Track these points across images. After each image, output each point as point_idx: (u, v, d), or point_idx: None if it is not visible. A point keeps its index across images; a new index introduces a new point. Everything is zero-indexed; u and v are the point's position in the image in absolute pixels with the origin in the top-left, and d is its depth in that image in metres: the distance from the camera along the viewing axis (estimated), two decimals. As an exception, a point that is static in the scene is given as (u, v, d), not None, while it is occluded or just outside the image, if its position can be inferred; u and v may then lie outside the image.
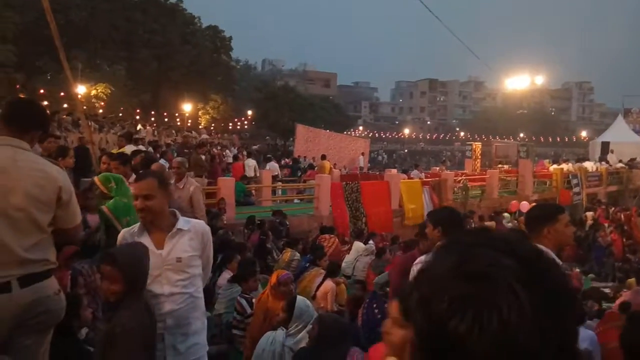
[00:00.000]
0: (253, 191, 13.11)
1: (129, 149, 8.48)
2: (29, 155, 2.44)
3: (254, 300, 4.49)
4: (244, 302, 4.52)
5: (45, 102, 23.79)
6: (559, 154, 40.75)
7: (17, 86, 23.28)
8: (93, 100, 30.00)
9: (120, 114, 32.42)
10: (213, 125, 47.18)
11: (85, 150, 8.48)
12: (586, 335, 3.69)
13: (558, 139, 56.99)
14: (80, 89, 23.95)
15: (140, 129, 26.52)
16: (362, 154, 25.04)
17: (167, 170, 5.72)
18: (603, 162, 21.99)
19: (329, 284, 5.65)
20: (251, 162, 15.44)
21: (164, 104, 38.86)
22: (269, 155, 21.05)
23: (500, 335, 0.55)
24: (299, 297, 3.57)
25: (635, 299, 4.62)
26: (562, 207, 2.97)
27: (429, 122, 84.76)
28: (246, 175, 13.90)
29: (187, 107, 39.10)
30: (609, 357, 3.70)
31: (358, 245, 8.77)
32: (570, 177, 18.06)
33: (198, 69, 38.87)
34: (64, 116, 18.39)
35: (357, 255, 8.51)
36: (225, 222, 8.78)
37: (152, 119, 37.78)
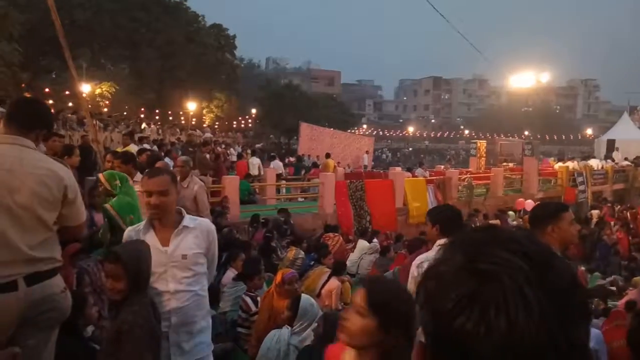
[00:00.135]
0: (257, 189, 13.12)
1: (132, 147, 8.52)
2: (34, 154, 2.45)
3: (259, 298, 4.50)
4: (249, 300, 4.53)
5: (51, 101, 23.90)
6: (563, 152, 40.62)
7: (23, 85, 23.39)
8: (98, 99, 30.10)
9: (125, 113, 32.48)
10: (217, 123, 47.21)
11: (89, 148, 8.52)
12: (592, 334, 3.67)
13: (563, 136, 56.70)
14: (85, 88, 24.03)
15: (144, 127, 26.57)
16: (366, 152, 25.01)
17: (171, 168, 5.73)
18: (608, 160, 21.90)
19: (333, 282, 5.65)
20: (255, 161, 15.47)
21: (168, 103, 38.92)
22: (273, 154, 21.05)
23: (507, 335, 0.55)
24: (303, 296, 3.57)
25: (642, 297, 4.59)
26: (566, 205, 2.96)
27: (433, 120, 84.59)
28: (250, 174, 13.92)
29: (191, 106, 39.15)
30: (615, 355, 3.69)
31: (362, 243, 8.77)
32: (576, 175, 17.99)
33: (202, 68, 38.93)
34: (69, 115, 18.44)
35: (362, 253, 8.51)
36: (228, 219, 8.80)
37: (157, 117, 37.84)
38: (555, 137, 55.55)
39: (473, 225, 8.95)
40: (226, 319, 4.78)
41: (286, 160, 20.29)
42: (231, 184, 10.67)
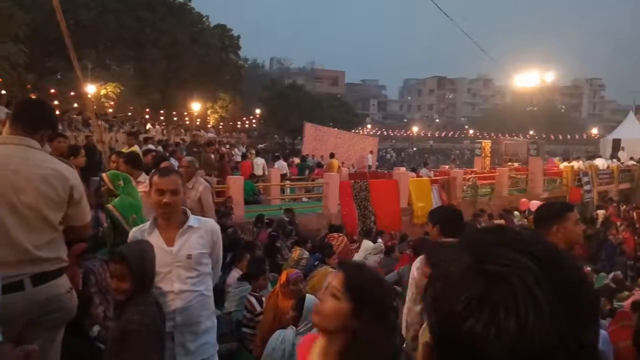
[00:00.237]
0: (261, 190, 13.14)
1: (134, 148, 8.56)
2: (40, 155, 2.46)
3: (263, 298, 4.50)
4: (253, 300, 4.53)
5: (56, 102, 24.01)
6: (568, 152, 40.41)
7: (28, 86, 23.50)
8: (103, 99, 30.23)
9: (130, 113, 32.62)
10: (222, 124, 47.33)
11: (93, 149, 8.55)
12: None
13: (568, 136, 56.48)
14: (90, 89, 24.13)
15: (149, 128, 26.67)
16: (371, 152, 24.97)
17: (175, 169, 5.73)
18: (614, 160, 21.78)
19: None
20: (260, 161, 15.48)
21: (172, 103, 39.04)
22: (277, 154, 21.05)
23: (517, 337, 0.54)
24: (308, 296, 3.57)
25: (648, 297, 4.57)
26: (571, 205, 2.94)
27: (437, 120, 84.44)
28: (255, 174, 13.94)
29: (195, 106, 39.28)
30: (621, 356, 3.68)
31: (367, 243, 8.76)
32: (581, 175, 17.90)
33: (206, 68, 39.03)
34: (74, 115, 18.53)
35: (366, 253, 8.51)
36: (232, 220, 8.81)
37: (161, 118, 37.97)
38: (561, 137, 55.35)
39: (478, 226, 8.93)
40: (231, 319, 4.79)
41: (289, 160, 20.27)
42: (235, 184, 10.69)
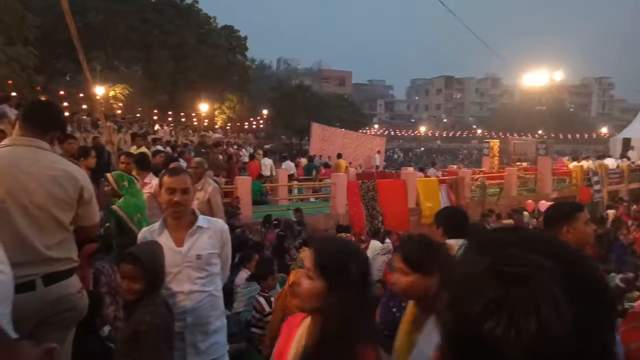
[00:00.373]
0: (269, 190, 13.16)
1: (133, 148, 8.64)
2: (49, 156, 2.48)
3: (272, 298, 4.51)
4: (262, 300, 4.53)
5: (65, 103, 24.20)
6: (578, 151, 40.12)
7: (38, 88, 23.72)
8: (111, 101, 30.41)
9: (138, 115, 32.80)
10: (229, 125, 47.47)
11: (101, 150, 8.62)
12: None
13: (577, 135, 56.03)
14: (99, 90, 24.31)
15: (157, 129, 26.80)
16: (378, 152, 24.95)
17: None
18: (624, 159, 21.57)
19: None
20: (267, 161, 15.52)
21: (180, 104, 39.20)
22: (284, 154, 21.09)
23: (538, 339, 0.53)
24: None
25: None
26: (581, 205, 2.91)
27: (445, 120, 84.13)
28: (262, 174, 13.97)
29: (203, 107, 39.43)
30: (631, 357, 3.63)
31: (375, 244, 8.74)
32: (591, 175, 17.75)
33: (214, 69, 39.13)
34: (83, 117, 18.65)
35: (374, 254, 8.48)
36: (240, 220, 8.84)
37: (170, 119, 38.15)
38: (570, 136, 54.92)
39: (487, 226, 8.89)
40: (240, 319, 4.80)
41: (296, 161, 20.29)
42: (243, 185, 10.72)
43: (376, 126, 72.19)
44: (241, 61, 45.90)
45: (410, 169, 16.11)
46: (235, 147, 23.96)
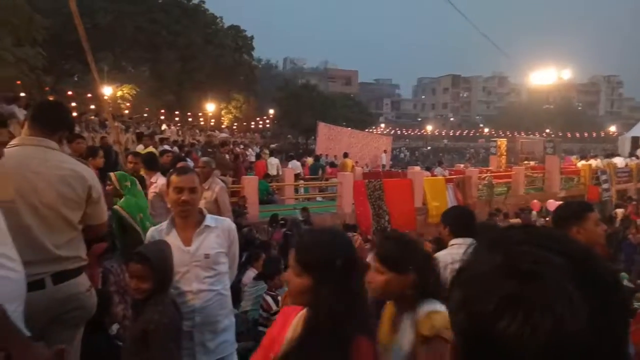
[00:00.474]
0: (276, 189, 13.18)
1: (139, 148, 8.69)
2: (58, 155, 2.50)
3: (279, 297, 4.52)
4: (269, 299, 4.55)
5: (73, 104, 24.35)
6: (586, 150, 39.82)
7: (46, 88, 23.91)
8: (119, 101, 30.58)
9: (145, 115, 32.95)
10: (236, 124, 47.57)
11: (108, 149, 8.68)
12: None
13: (586, 134, 55.62)
14: (107, 91, 24.44)
15: (165, 129, 26.91)
16: (384, 151, 24.91)
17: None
18: (633, 158, 21.39)
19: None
20: (274, 161, 15.53)
21: (187, 104, 39.34)
22: (291, 154, 21.08)
23: (553, 336, 0.53)
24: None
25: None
26: (591, 205, 2.89)
27: (452, 119, 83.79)
28: (269, 174, 13.98)
29: (210, 107, 39.53)
30: (641, 357, 3.61)
31: (381, 243, 8.73)
32: (599, 173, 17.63)
33: (221, 69, 39.21)
34: (91, 117, 18.77)
35: (381, 253, 8.47)
36: (247, 219, 8.86)
37: (177, 119, 38.29)
38: (578, 135, 54.52)
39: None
40: (247, 318, 4.81)
41: (302, 160, 20.29)
42: (250, 184, 10.74)
43: (382, 125, 72.04)
44: (247, 61, 45.96)
45: (417, 168, 16.07)
46: (242, 146, 24.01)
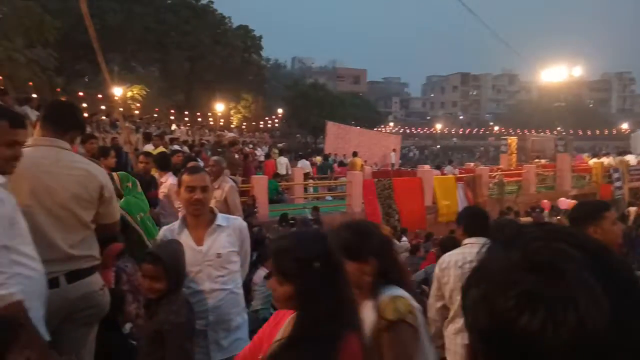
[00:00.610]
0: (285, 189, 13.20)
1: (148, 147, 8.74)
2: (70, 155, 2.53)
3: (289, 296, 4.52)
4: (279, 298, 4.55)
5: (84, 104, 24.55)
6: (598, 148, 39.42)
7: (58, 89, 24.10)
8: (129, 101, 30.77)
9: (155, 115, 33.14)
10: (245, 124, 47.70)
11: (119, 150, 8.75)
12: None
13: (597, 131, 55.08)
14: (117, 91, 24.58)
15: (174, 129, 27.07)
16: (394, 150, 24.85)
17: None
18: (646, 155, 21.14)
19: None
20: (283, 160, 15.55)
21: (197, 104, 39.51)
22: (300, 153, 21.13)
23: (579, 331, 0.51)
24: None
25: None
26: (608, 204, 2.85)
27: (461, 117, 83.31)
28: (278, 173, 14.01)
29: (219, 107, 39.68)
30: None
31: (392, 242, 8.71)
32: (612, 171, 17.45)
33: (229, 69, 39.33)
34: (102, 118, 18.92)
35: (391, 252, 8.45)
36: (257, 218, 8.89)
37: (186, 119, 38.49)
38: (589, 133, 54.02)
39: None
40: (258, 316, 4.82)
41: (311, 159, 20.32)
42: (260, 184, 10.77)
43: (391, 124, 71.85)
44: (256, 61, 46.05)
45: (427, 166, 16.02)
46: (251, 146, 24.08)
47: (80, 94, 28.29)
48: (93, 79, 29.59)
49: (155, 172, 5.48)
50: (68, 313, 2.39)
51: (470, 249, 2.92)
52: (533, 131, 36.53)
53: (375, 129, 38.75)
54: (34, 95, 15.98)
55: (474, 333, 0.61)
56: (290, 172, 14.73)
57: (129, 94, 30.82)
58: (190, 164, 5.43)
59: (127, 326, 3.23)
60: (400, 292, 1.75)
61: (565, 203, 12.40)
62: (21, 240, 2.02)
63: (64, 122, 2.55)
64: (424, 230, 11.30)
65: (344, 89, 64.29)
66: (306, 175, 14.92)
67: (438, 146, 65.93)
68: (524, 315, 0.53)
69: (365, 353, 1.51)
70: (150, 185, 5.08)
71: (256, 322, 4.72)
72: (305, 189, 14.32)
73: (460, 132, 71.91)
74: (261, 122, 53.63)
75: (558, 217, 12.74)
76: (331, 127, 24.59)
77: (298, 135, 53.51)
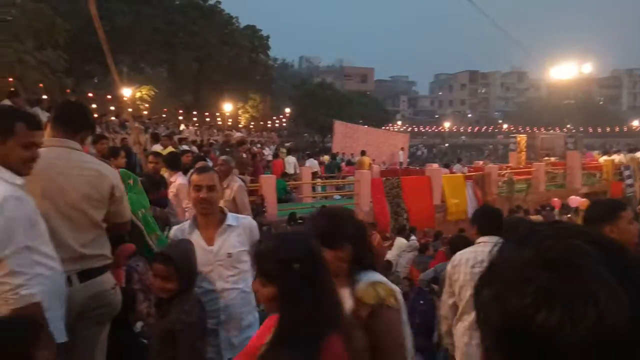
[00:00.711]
0: (293, 188, 13.22)
1: (156, 147, 8.80)
2: (81, 156, 2.55)
3: (299, 295, 4.53)
4: (289, 297, 4.56)
5: (94, 105, 24.72)
6: (608, 145, 39.07)
7: (68, 90, 24.29)
8: (138, 102, 30.95)
9: (164, 115, 33.31)
10: (252, 123, 47.82)
11: (129, 151, 8.81)
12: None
13: (608, 129, 54.57)
14: (126, 92, 24.73)
15: (183, 129, 27.18)
16: (402, 149, 24.79)
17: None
18: (658, 152, 20.90)
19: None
20: (291, 159, 15.58)
21: (205, 104, 39.65)
22: (308, 152, 21.12)
23: (598, 327, 0.50)
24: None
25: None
26: (624, 204, 2.82)
27: (469, 115, 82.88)
28: (287, 172, 14.03)
29: (227, 107, 39.81)
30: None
31: (400, 241, 8.70)
32: (622, 169, 17.27)
33: (237, 69, 39.42)
34: (112, 118, 19.04)
35: (400, 251, 8.45)
36: (266, 218, 8.91)
37: (195, 119, 38.66)
38: (599, 130, 53.55)
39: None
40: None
41: (319, 158, 20.30)
42: (268, 183, 10.79)
43: (399, 122, 71.67)
44: (264, 60, 46.11)
45: (435, 165, 15.96)
46: (259, 145, 24.14)
47: (90, 95, 28.49)
48: (102, 80, 29.80)
49: (165, 172, 5.51)
50: (80, 312, 2.42)
51: (483, 248, 2.93)
52: (542, 129, 36.33)
53: (383, 127, 38.71)
54: (45, 97, 16.13)
55: (489, 332, 0.60)
56: (298, 172, 14.75)
57: (138, 94, 31.01)
58: (199, 163, 5.46)
59: (138, 325, 3.25)
60: (377, 276, 1.77)
61: (576, 201, 12.30)
62: (42, 240, 2.05)
63: (74, 123, 2.58)
64: (433, 229, 11.25)
65: (351, 87, 64.23)
66: (314, 175, 14.93)
67: (446, 144, 65.64)
68: (541, 312, 0.52)
69: (348, 346, 1.52)
70: (160, 185, 5.10)
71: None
72: (314, 188, 14.33)
73: (469, 131, 71.53)
74: (269, 122, 53.71)
75: (568, 215, 12.63)
76: (339, 126, 24.57)
77: (306, 134, 53.53)
